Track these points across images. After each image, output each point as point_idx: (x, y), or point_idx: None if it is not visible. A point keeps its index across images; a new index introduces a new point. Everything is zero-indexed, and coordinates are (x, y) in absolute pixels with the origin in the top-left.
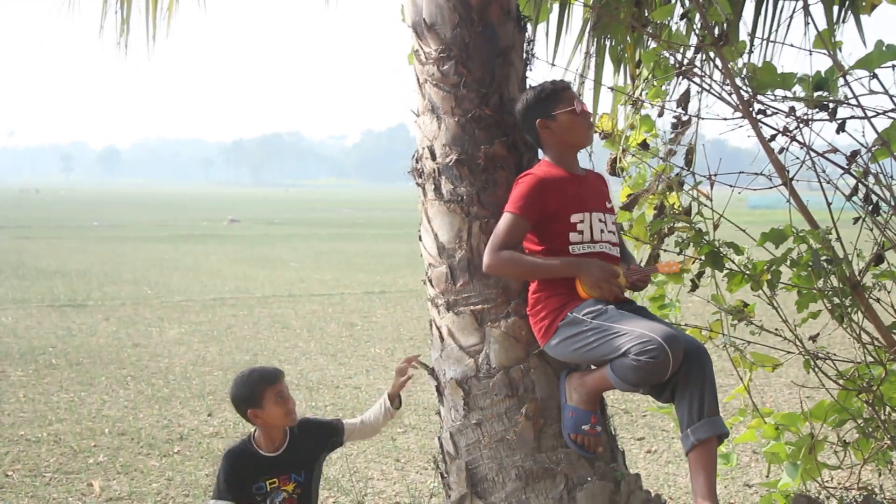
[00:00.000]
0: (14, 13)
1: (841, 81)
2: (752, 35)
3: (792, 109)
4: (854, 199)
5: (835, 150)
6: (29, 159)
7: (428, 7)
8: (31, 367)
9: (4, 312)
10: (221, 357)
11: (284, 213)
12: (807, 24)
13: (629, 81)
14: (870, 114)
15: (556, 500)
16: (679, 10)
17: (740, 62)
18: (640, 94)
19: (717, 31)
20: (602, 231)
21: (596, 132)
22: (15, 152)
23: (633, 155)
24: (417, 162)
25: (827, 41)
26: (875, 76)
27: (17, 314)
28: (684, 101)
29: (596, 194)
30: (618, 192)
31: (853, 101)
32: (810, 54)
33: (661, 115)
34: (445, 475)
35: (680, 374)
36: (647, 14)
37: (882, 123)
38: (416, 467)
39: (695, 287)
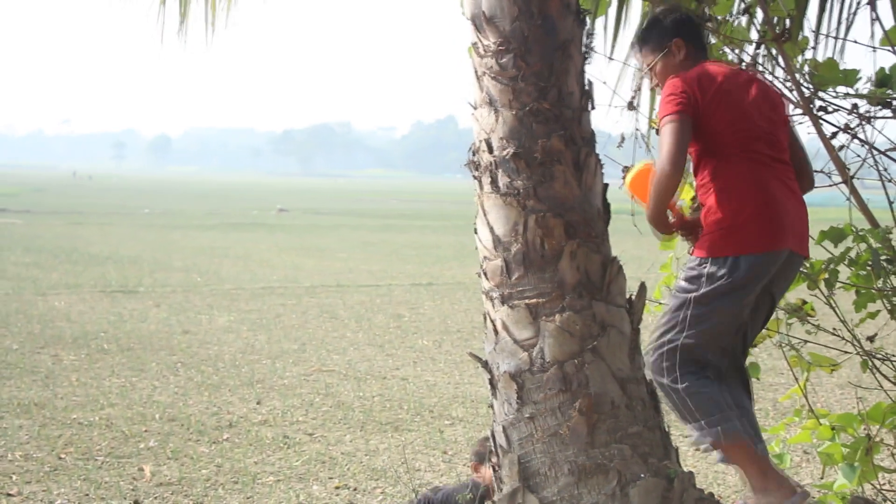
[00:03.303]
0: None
1: None
2: (817, 32)
3: (854, 107)
4: None
5: None
6: (82, 146)
7: (488, 0)
8: (84, 352)
9: (58, 297)
10: (270, 346)
11: (333, 203)
12: (873, 20)
13: None
14: None
15: (609, 497)
16: (740, 5)
17: (802, 58)
18: None
19: (778, 26)
20: None
21: (653, 128)
22: (69, 139)
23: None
24: (474, 154)
25: (893, 38)
26: None
27: (71, 299)
28: None
29: None
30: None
31: None
32: (874, 51)
33: None
34: (497, 468)
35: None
36: (706, 9)
37: None
38: (464, 459)
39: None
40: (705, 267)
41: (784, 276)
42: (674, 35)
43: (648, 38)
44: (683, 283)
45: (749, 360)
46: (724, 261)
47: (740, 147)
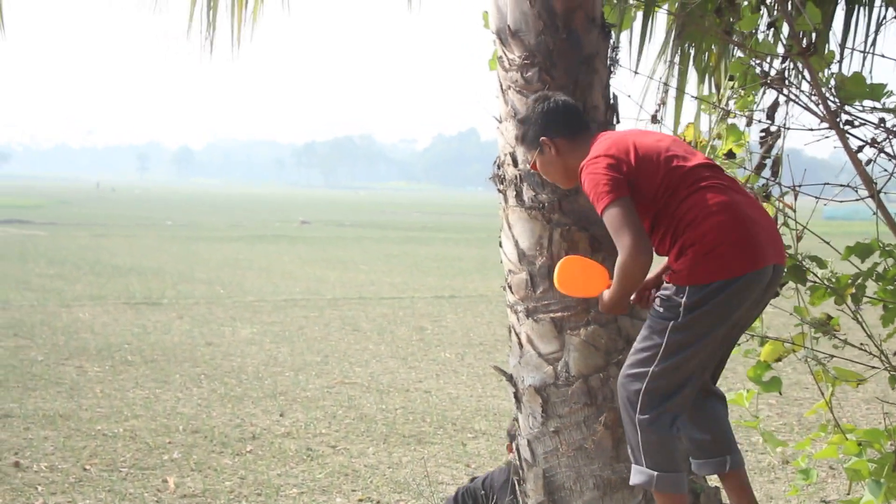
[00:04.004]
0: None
1: None
2: (843, 45)
3: (881, 121)
4: None
5: None
6: (106, 158)
7: (512, 14)
8: (108, 364)
9: (82, 309)
10: (293, 358)
11: (355, 215)
12: None
13: (713, 90)
14: None
15: None
16: (766, 19)
17: (828, 72)
18: (727, 104)
19: (804, 40)
20: None
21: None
22: (93, 151)
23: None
24: (499, 168)
25: None
26: None
27: (95, 310)
28: (772, 111)
29: None
30: None
31: None
32: None
33: (749, 124)
34: (522, 482)
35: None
36: (731, 21)
37: None
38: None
39: (776, 295)
40: (682, 296)
41: (771, 289)
42: (540, 133)
43: (522, 136)
44: (660, 310)
45: (771, 374)
46: (702, 287)
47: (687, 182)
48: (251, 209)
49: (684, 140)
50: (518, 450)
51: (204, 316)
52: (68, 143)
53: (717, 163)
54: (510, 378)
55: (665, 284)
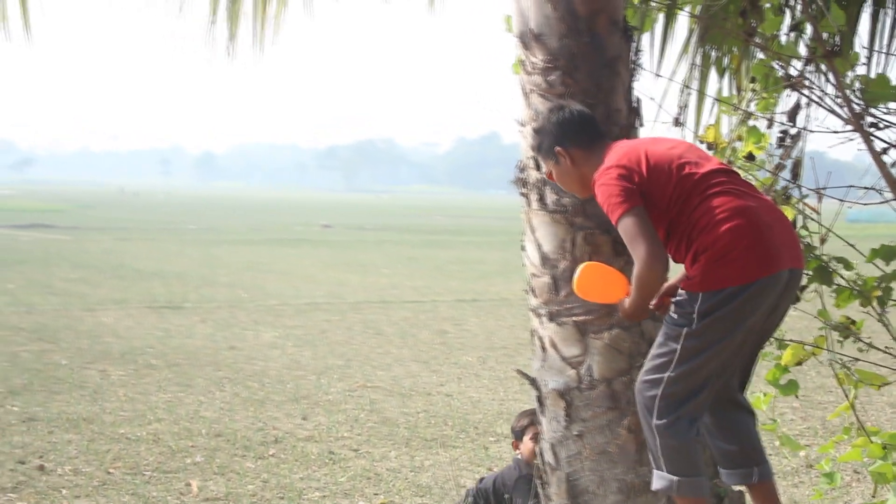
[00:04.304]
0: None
1: None
2: (869, 48)
3: None
4: None
5: None
6: (129, 162)
7: (535, 17)
8: (131, 367)
9: (106, 313)
10: (315, 361)
11: (376, 218)
12: None
13: (734, 92)
14: None
15: None
16: (789, 21)
17: (852, 74)
18: (748, 106)
19: (828, 42)
20: None
21: (700, 143)
22: (116, 155)
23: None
24: (522, 171)
25: None
26: None
27: (118, 314)
28: (793, 113)
29: None
30: None
31: None
32: None
33: (770, 126)
34: (545, 486)
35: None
36: (753, 24)
37: None
38: None
39: (797, 300)
40: (696, 303)
41: (789, 294)
42: (555, 144)
43: (538, 146)
44: (675, 317)
45: (788, 377)
46: (717, 293)
47: (700, 189)
48: (273, 213)
49: (703, 143)
50: (541, 453)
51: (226, 320)
52: (91, 147)
53: (736, 166)
54: (533, 382)
55: (679, 291)
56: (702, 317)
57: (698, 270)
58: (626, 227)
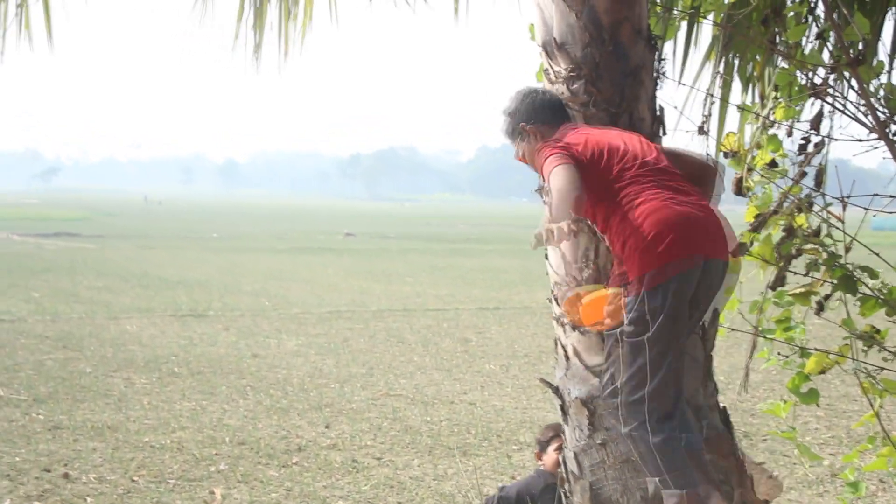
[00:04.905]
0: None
1: None
2: (893, 55)
3: None
4: None
5: None
6: (152, 171)
7: (559, 26)
8: (155, 375)
9: (130, 321)
10: (338, 370)
11: (399, 227)
12: None
13: (757, 100)
14: None
15: None
16: (813, 30)
17: (877, 83)
18: (770, 114)
19: (853, 50)
20: None
21: (721, 151)
22: (140, 164)
23: (761, 174)
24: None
25: None
26: None
27: (142, 322)
28: (817, 122)
29: None
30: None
31: None
32: None
33: (790, 134)
34: (569, 494)
35: None
36: (776, 31)
37: None
38: None
39: (821, 309)
40: (644, 304)
41: (706, 284)
42: (520, 120)
43: (507, 130)
44: (631, 328)
45: (808, 386)
46: (656, 290)
47: (630, 180)
48: (296, 221)
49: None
50: (565, 462)
51: (249, 328)
52: (115, 156)
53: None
54: (556, 390)
55: (626, 299)
56: (654, 316)
57: (629, 265)
58: (556, 175)
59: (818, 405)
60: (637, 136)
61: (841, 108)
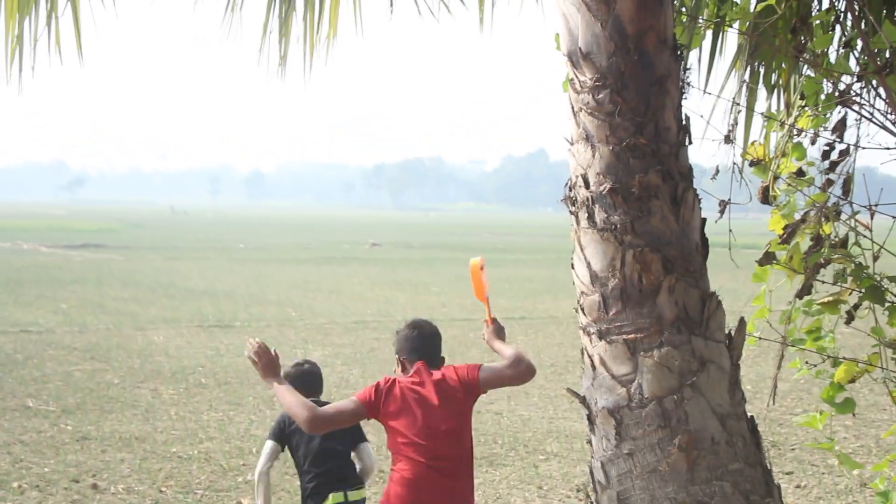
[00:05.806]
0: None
1: None
2: None
3: None
4: None
5: None
6: (178, 182)
7: (584, 36)
8: (182, 386)
9: (156, 332)
10: (364, 380)
11: (425, 237)
12: None
13: (783, 108)
14: None
15: None
16: (839, 37)
17: None
18: (796, 122)
19: (880, 58)
20: None
21: (746, 159)
22: (166, 175)
23: (788, 183)
24: (570, 190)
25: None
26: None
27: (168, 333)
28: (840, 129)
29: None
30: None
31: None
32: None
33: (814, 142)
34: None
35: None
36: (803, 40)
37: None
38: (559, 495)
39: (851, 319)
40: None
41: None
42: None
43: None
44: None
45: (844, 395)
46: None
47: (404, 452)
48: (321, 231)
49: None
50: (592, 472)
51: (275, 338)
52: (141, 167)
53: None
54: (583, 400)
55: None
56: None
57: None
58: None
59: (854, 414)
60: (447, 399)
61: (868, 116)
